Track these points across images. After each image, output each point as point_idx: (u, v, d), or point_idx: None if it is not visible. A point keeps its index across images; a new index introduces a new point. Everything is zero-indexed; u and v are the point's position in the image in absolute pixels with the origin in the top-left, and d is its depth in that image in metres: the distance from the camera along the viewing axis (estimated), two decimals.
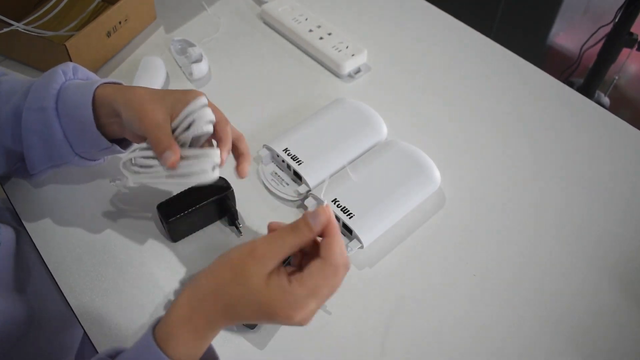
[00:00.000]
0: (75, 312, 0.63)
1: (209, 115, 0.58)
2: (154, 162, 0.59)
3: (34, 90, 0.62)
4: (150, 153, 0.59)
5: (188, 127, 0.57)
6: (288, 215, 0.72)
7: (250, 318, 0.48)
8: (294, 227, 0.48)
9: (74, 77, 0.65)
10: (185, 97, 0.58)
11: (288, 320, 0.47)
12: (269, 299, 0.46)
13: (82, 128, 0.61)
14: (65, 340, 0.71)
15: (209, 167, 0.57)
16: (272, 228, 0.52)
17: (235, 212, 0.69)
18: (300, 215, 0.71)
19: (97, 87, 0.61)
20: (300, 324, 0.48)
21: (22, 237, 0.70)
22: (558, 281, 0.66)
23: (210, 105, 0.60)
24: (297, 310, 0.47)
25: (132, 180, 0.61)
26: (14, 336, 0.63)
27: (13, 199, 0.73)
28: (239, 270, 0.47)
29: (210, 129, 0.58)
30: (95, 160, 0.68)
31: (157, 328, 0.48)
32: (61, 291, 0.65)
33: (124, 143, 0.67)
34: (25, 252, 0.70)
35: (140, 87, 0.61)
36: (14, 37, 0.84)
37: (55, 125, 0.61)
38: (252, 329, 0.62)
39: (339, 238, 0.49)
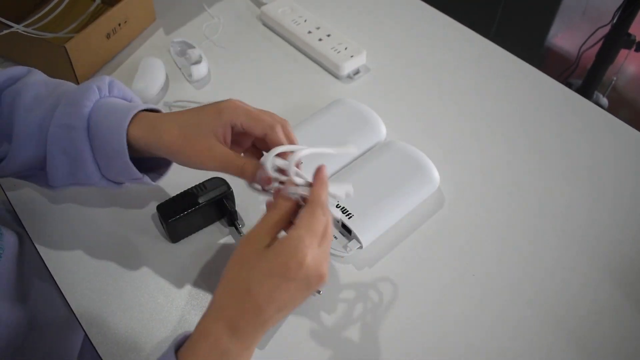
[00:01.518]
0: (76, 314, 0.63)
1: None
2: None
3: (64, 105, 0.58)
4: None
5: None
6: None
7: (272, 295, 0.47)
8: (273, 203, 0.52)
9: (109, 94, 0.61)
10: (220, 108, 0.56)
11: (301, 268, 0.47)
12: (274, 259, 0.47)
13: (113, 156, 0.58)
14: (67, 345, 0.71)
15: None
16: (268, 206, 0.53)
17: (235, 212, 0.70)
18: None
19: (133, 117, 0.57)
20: (318, 269, 0.48)
21: (24, 241, 0.70)
22: (557, 281, 0.67)
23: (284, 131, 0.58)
24: (302, 251, 0.47)
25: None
26: (16, 342, 0.62)
27: (13, 201, 0.73)
28: (243, 258, 0.48)
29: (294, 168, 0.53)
30: (122, 184, 0.64)
31: (182, 351, 0.48)
32: (62, 294, 0.65)
33: (163, 168, 0.65)
34: (27, 257, 0.69)
35: (170, 120, 0.57)
36: (13, 39, 0.84)
37: (85, 146, 0.58)
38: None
39: (320, 184, 0.52)
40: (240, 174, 0.55)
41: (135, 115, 0.58)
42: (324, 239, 0.50)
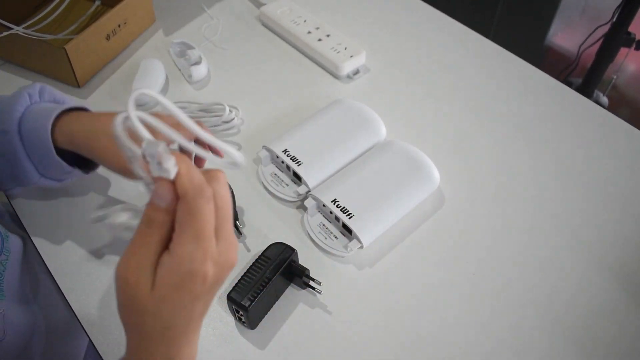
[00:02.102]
0: (79, 319, 0.63)
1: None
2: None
3: None
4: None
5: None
6: (288, 217, 0.72)
7: (189, 323, 0.42)
8: (146, 221, 0.38)
9: (39, 99, 0.66)
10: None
11: (205, 284, 0.39)
12: (171, 290, 0.38)
13: (45, 153, 0.62)
14: (71, 350, 0.71)
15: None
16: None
17: (235, 213, 0.70)
18: (299, 218, 0.72)
19: (58, 115, 0.62)
20: (222, 271, 0.40)
21: (28, 244, 0.70)
22: (557, 280, 0.67)
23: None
24: (200, 271, 0.38)
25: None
26: (20, 346, 0.63)
27: (15, 204, 0.73)
28: (132, 307, 0.40)
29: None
30: (61, 181, 0.68)
31: None
32: (64, 296, 0.65)
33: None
34: (32, 260, 0.70)
35: (97, 119, 0.63)
36: (13, 41, 0.84)
37: (19, 149, 0.62)
38: (253, 329, 0.62)
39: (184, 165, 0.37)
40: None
41: (60, 116, 0.63)
42: (219, 230, 0.39)
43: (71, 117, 0.63)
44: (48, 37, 0.85)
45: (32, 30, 0.85)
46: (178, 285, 0.38)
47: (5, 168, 0.64)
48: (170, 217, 0.38)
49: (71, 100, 0.70)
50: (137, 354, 0.42)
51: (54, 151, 0.61)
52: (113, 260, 0.68)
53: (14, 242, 0.67)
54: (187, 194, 0.37)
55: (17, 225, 0.73)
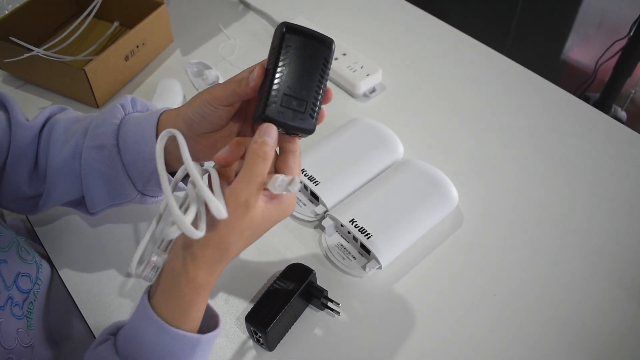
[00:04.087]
0: None
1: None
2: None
3: (93, 128, 0.60)
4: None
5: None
6: (305, 236, 0.72)
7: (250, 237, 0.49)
8: (262, 155, 0.47)
9: (132, 110, 0.63)
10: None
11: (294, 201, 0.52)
12: (277, 214, 0.50)
13: (145, 164, 0.59)
14: None
15: None
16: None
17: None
18: (317, 238, 0.71)
19: (160, 116, 0.59)
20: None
21: (54, 272, 0.69)
22: (581, 301, 0.65)
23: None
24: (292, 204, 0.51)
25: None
26: None
27: (34, 223, 0.73)
28: (242, 225, 0.47)
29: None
30: (157, 197, 0.65)
31: (154, 298, 0.49)
32: (89, 327, 0.65)
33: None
34: (56, 289, 0.68)
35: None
36: (34, 62, 0.86)
37: (117, 162, 0.59)
38: (271, 350, 0.62)
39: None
40: (237, 85, 0.52)
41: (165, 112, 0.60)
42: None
43: (167, 112, 0.59)
44: (68, 58, 0.86)
45: (52, 52, 0.87)
46: (282, 212, 0.50)
47: (101, 187, 0.61)
48: (272, 146, 0.48)
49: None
50: (212, 274, 0.49)
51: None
52: (134, 288, 0.68)
53: (46, 270, 0.66)
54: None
55: (42, 249, 0.72)
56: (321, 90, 0.50)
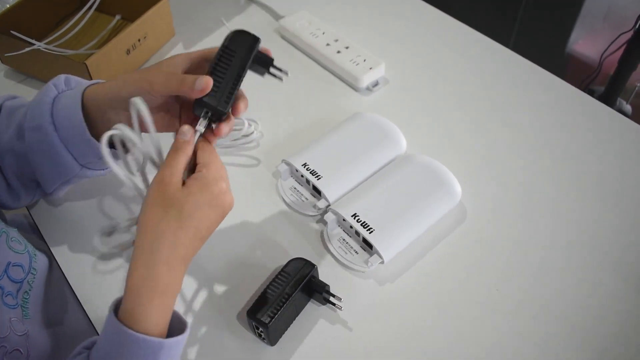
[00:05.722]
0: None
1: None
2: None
3: (30, 110, 0.62)
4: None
5: None
6: (307, 231, 0.72)
7: (200, 220, 0.52)
8: (176, 148, 0.54)
9: (66, 88, 0.64)
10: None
11: (222, 186, 0.54)
12: (197, 189, 0.52)
13: (80, 138, 0.61)
14: None
15: None
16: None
17: (272, 59, 0.67)
18: (319, 232, 0.71)
19: (85, 90, 0.61)
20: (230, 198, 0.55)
21: (52, 262, 0.69)
22: (585, 298, 0.65)
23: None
24: (220, 179, 0.54)
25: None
26: None
27: (35, 215, 0.73)
28: (162, 200, 0.51)
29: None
30: (103, 170, 0.67)
31: (120, 308, 0.50)
32: (88, 316, 0.65)
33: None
34: (58, 281, 0.69)
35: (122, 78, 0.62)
36: (35, 57, 0.86)
37: (55, 140, 0.61)
38: (273, 345, 0.61)
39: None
40: (180, 85, 0.57)
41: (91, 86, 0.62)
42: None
43: (96, 86, 0.62)
44: (69, 52, 0.86)
45: (54, 46, 0.86)
46: (203, 186, 0.52)
47: (46, 164, 0.63)
48: (189, 145, 0.54)
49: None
50: (145, 257, 0.50)
51: (87, 130, 0.60)
52: None
53: (41, 261, 0.66)
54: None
55: (41, 240, 0.73)
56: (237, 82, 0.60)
